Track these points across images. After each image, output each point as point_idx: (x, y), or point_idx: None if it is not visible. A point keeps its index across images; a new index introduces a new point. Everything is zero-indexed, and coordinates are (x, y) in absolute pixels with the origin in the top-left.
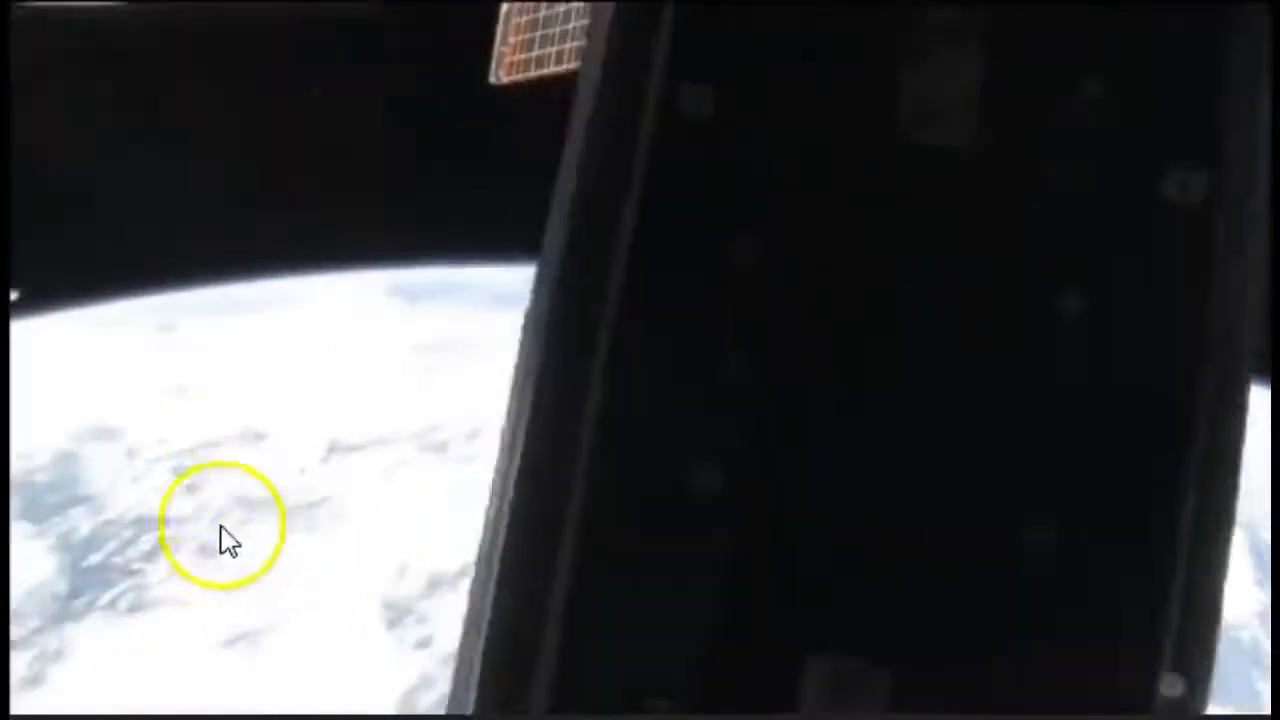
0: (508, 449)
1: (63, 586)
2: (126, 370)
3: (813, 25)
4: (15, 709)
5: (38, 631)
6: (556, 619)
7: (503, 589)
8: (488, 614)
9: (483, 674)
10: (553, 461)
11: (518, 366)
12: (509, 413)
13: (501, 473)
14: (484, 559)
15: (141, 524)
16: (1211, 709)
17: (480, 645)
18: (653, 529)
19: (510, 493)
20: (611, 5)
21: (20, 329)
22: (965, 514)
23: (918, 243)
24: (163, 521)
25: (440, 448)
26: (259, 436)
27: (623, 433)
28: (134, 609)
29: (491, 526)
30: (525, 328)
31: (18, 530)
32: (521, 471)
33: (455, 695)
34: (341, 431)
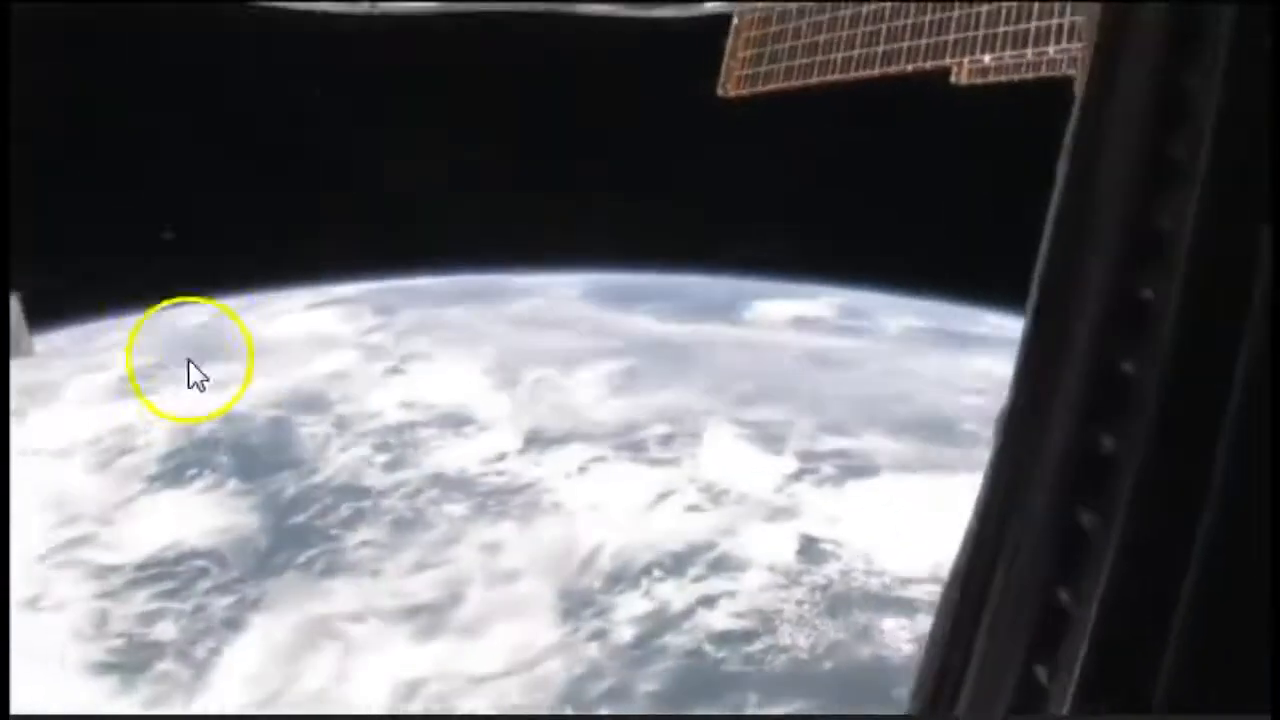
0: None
1: (265, 543)
2: (345, 347)
3: None
4: (218, 648)
5: (239, 581)
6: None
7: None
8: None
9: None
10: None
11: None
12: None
13: (994, 501)
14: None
15: (343, 492)
16: None
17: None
18: None
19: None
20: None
21: (257, 301)
22: None
23: None
24: (363, 492)
25: (637, 447)
26: (463, 421)
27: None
28: (328, 572)
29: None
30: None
31: (230, 488)
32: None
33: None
34: (542, 423)
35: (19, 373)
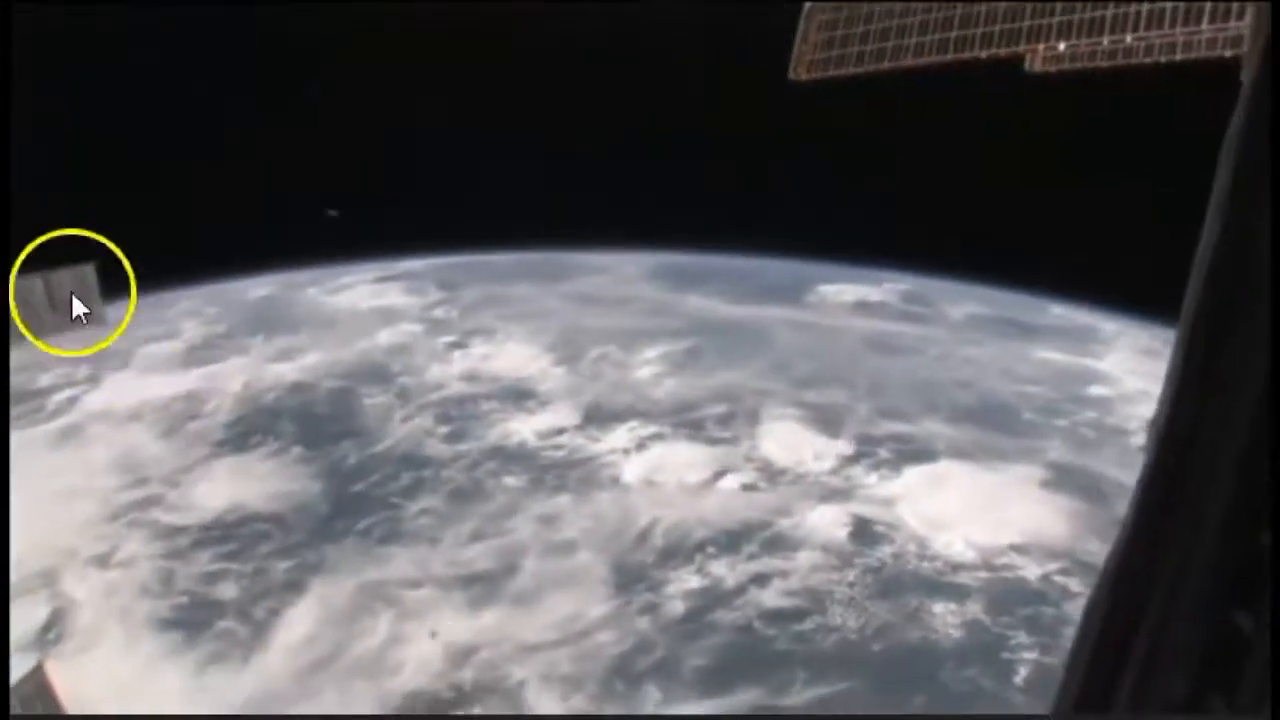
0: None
1: (325, 509)
2: (410, 321)
3: None
4: (277, 609)
5: (300, 545)
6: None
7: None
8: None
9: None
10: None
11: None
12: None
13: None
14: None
15: (404, 462)
16: None
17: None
18: None
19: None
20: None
21: (325, 274)
22: None
23: None
24: (423, 463)
25: (695, 426)
26: (524, 396)
27: None
28: (386, 539)
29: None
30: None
31: (294, 454)
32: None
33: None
34: (602, 400)
35: (93, 339)
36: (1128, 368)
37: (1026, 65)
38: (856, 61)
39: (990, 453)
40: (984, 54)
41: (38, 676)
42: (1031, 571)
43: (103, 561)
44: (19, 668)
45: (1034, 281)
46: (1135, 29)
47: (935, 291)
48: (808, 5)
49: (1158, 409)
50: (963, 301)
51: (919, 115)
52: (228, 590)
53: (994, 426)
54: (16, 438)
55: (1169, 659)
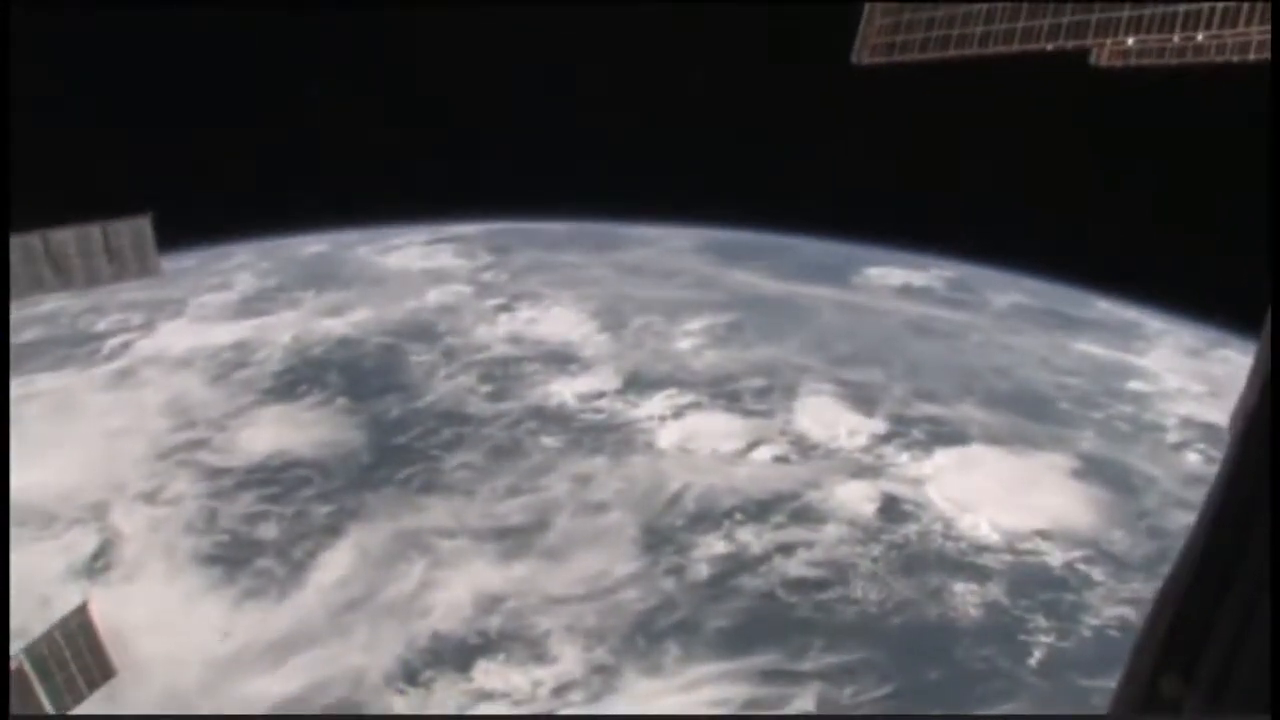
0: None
1: (367, 459)
2: (459, 282)
3: None
4: (314, 551)
5: (340, 491)
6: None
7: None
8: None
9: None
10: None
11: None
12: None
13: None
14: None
15: (445, 418)
16: None
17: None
18: None
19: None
20: None
21: (378, 234)
22: None
23: None
24: (465, 419)
25: (733, 397)
26: (566, 360)
27: None
28: (424, 489)
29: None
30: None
31: (339, 405)
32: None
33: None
34: (642, 367)
35: (148, 290)
36: (1169, 365)
37: (1093, 59)
38: (920, 48)
39: (1022, 439)
40: (1050, 46)
41: (82, 613)
42: (1055, 558)
43: (150, 498)
44: (69, 599)
45: (1081, 275)
46: (1208, 26)
47: (981, 280)
48: None
49: (1240, 401)
50: (1008, 291)
51: (979, 103)
52: (268, 531)
53: (1028, 414)
54: (75, 377)
55: (1249, 652)
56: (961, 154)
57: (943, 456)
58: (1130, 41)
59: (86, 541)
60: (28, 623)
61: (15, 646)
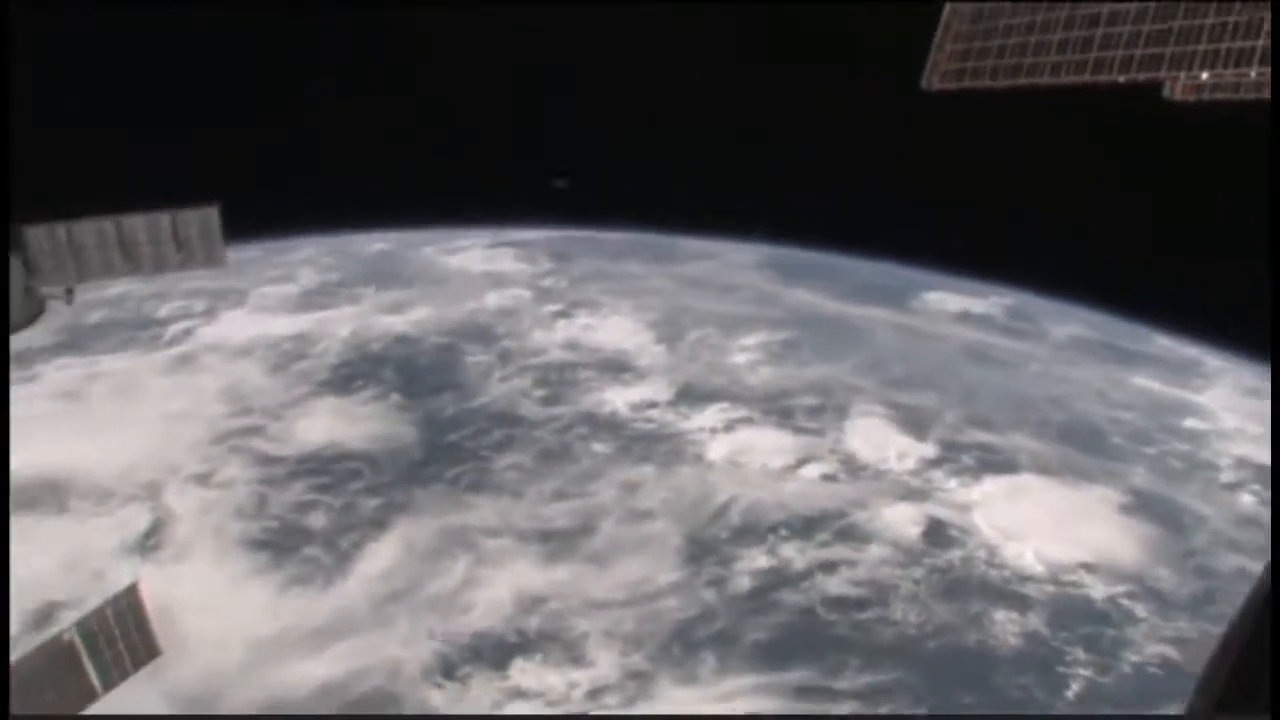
0: None
1: (418, 455)
2: (519, 287)
3: None
4: (361, 542)
5: (389, 485)
6: None
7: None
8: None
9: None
10: None
11: None
12: None
13: None
14: None
15: (498, 419)
16: None
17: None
18: None
19: None
20: None
21: (442, 235)
22: None
23: None
24: (517, 421)
25: (785, 414)
26: (621, 368)
27: None
28: (472, 488)
29: None
30: None
31: (393, 401)
32: None
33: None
34: (696, 380)
35: (213, 279)
36: (1227, 404)
37: (1165, 92)
38: (991, 75)
39: (1073, 471)
40: (1122, 78)
41: (133, 593)
42: (1098, 591)
43: (203, 480)
44: (120, 574)
45: (1142, 310)
46: None
47: (1040, 310)
48: (946, 9)
49: None
50: (1067, 322)
51: (1047, 132)
52: (317, 520)
53: (1080, 446)
54: (138, 360)
55: None
56: (1028, 182)
57: (991, 484)
58: (1205, 75)
59: (140, 519)
60: (81, 594)
61: (68, 619)
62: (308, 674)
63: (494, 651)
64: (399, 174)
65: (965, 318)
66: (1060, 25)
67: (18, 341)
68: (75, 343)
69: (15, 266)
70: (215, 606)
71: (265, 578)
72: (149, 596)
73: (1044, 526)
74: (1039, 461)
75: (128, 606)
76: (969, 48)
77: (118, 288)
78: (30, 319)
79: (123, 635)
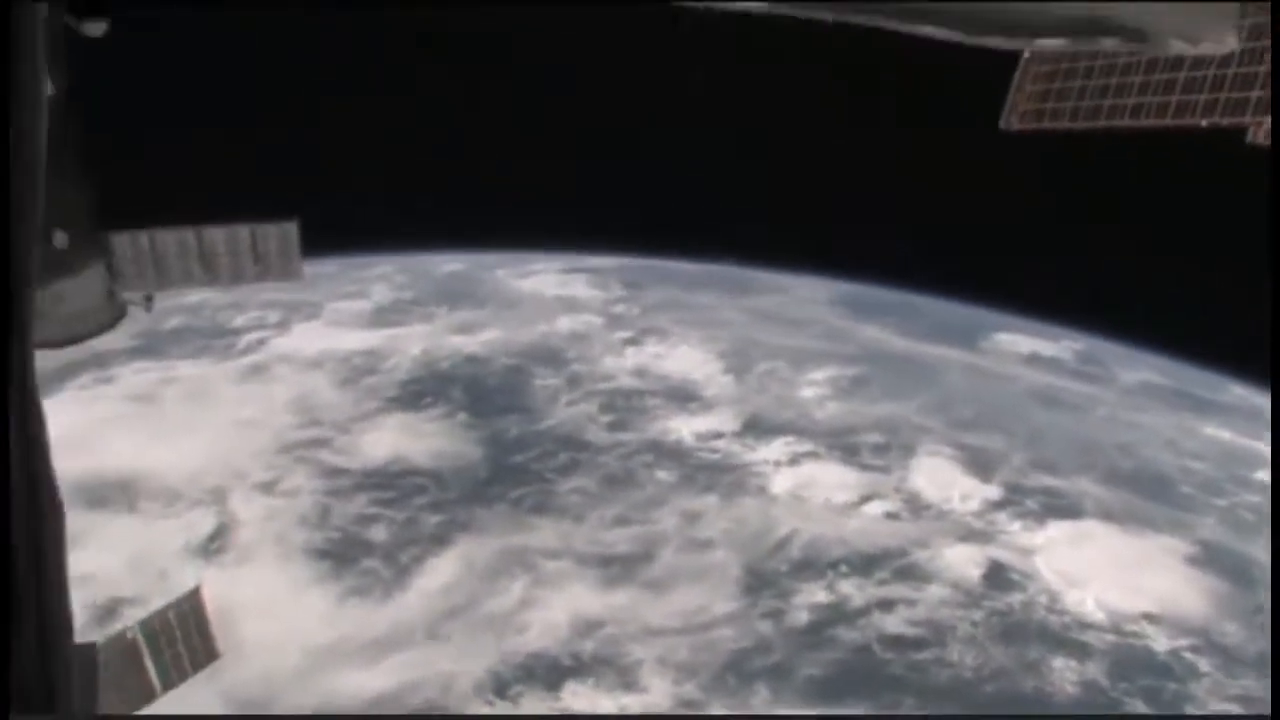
0: None
1: (483, 474)
2: (590, 313)
3: None
4: (421, 557)
5: (452, 502)
6: None
7: None
8: None
9: None
10: None
11: None
12: None
13: None
14: None
15: (563, 442)
16: None
17: None
18: None
19: None
20: None
21: (516, 259)
22: None
23: None
24: (582, 446)
25: (851, 450)
26: (688, 397)
27: None
28: (535, 510)
29: None
30: None
31: (460, 420)
32: None
33: None
34: (763, 412)
35: (288, 291)
36: None
37: (1249, 137)
38: (1071, 117)
39: (1139, 519)
40: (1204, 122)
41: (195, 596)
42: (1160, 643)
43: (269, 488)
44: (184, 574)
45: (1218, 358)
46: None
47: (1112, 355)
48: (1025, 55)
49: None
50: (1138, 368)
51: (1124, 177)
52: (379, 533)
53: (1148, 494)
54: (212, 367)
55: None
56: (1105, 225)
57: (1055, 529)
58: None
59: (205, 522)
60: (146, 592)
61: (132, 616)
62: (362, 684)
63: (548, 673)
64: (474, 195)
65: (1035, 360)
66: (1142, 68)
67: (97, 344)
68: (152, 347)
69: (99, 271)
70: (274, 612)
71: (325, 587)
72: (210, 599)
73: (1107, 574)
74: (1104, 508)
75: (190, 610)
76: (1048, 89)
77: (195, 296)
78: (112, 323)
79: (184, 637)
